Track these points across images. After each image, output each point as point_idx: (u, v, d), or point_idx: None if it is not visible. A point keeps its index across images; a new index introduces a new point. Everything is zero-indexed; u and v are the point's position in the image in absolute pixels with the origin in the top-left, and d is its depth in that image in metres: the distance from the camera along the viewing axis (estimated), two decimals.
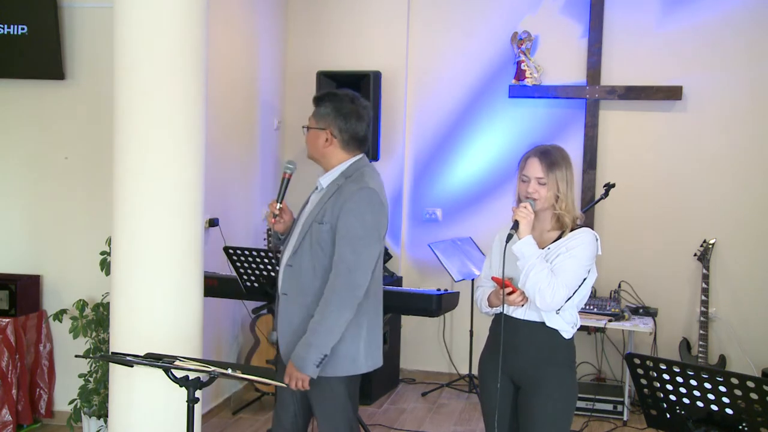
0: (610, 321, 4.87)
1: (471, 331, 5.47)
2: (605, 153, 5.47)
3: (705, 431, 2.52)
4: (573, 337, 2.86)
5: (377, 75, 5.44)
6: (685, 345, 5.20)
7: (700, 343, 5.06)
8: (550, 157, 2.80)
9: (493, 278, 2.87)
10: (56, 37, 4.39)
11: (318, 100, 2.97)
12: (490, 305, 2.91)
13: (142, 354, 2.65)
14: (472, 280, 5.30)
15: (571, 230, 2.83)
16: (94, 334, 4.21)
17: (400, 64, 5.74)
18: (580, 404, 4.92)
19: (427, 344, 5.88)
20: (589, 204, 5.26)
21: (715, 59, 5.27)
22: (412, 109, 5.83)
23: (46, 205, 4.57)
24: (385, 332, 5.26)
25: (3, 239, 4.60)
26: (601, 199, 4.95)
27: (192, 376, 2.56)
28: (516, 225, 2.77)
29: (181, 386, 2.55)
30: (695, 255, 5.27)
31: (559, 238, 2.82)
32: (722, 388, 2.44)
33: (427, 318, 5.34)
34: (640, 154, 5.43)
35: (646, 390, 2.67)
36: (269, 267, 3.96)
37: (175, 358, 2.55)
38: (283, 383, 2.70)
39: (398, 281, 5.59)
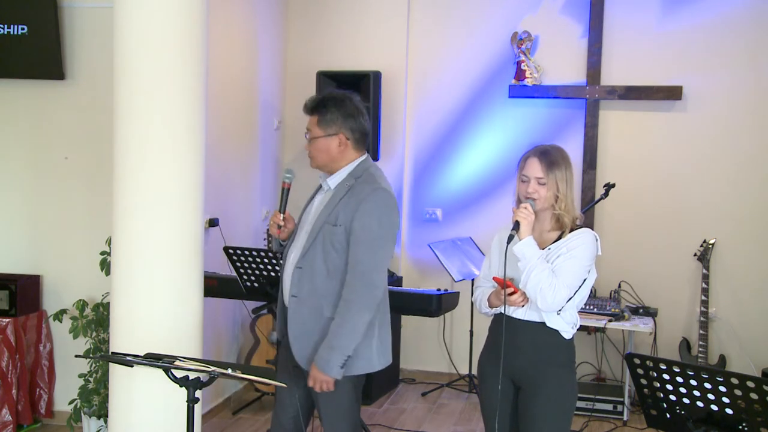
0: (610, 321, 4.87)
1: (471, 331, 5.47)
2: (605, 153, 5.47)
3: (705, 431, 2.52)
4: (573, 337, 2.86)
5: (377, 75, 5.44)
6: (685, 345, 5.20)
7: (700, 343, 5.06)
8: (550, 157, 2.80)
9: (494, 279, 2.87)
10: (56, 37, 4.38)
11: (317, 108, 2.90)
12: (490, 305, 2.91)
13: (142, 354, 2.65)
14: (472, 280, 5.30)
15: (571, 230, 2.83)
16: (94, 334, 4.21)
17: (400, 64, 5.74)
18: (580, 404, 4.92)
19: (427, 344, 5.88)
20: (589, 204, 5.26)
21: (715, 59, 5.27)
22: (412, 109, 5.83)
23: (46, 205, 4.57)
24: None
25: (3, 239, 4.60)
26: (601, 199, 4.96)
27: (192, 376, 2.56)
28: (517, 226, 2.77)
29: (181, 386, 2.55)
30: (695, 255, 5.27)
31: (559, 238, 2.83)
32: (722, 388, 2.44)
33: (427, 318, 5.34)
34: (640, 155, 5.43)
35: (646, 390, 2.67)
36: (269, 267, 3.96)
37: (175, 358, 2.55)
38: (283, 383, 2.70)
39: (398, 281, 5.59)
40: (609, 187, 4.86)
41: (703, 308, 5.09)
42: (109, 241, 3.99)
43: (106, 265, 4.11)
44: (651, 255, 5.42)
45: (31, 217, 4.59)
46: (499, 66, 5.63)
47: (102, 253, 4.17)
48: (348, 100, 2.94)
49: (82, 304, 4.24)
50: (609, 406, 4.97)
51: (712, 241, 5.21)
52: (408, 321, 5.71)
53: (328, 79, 5.45)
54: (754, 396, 2.38)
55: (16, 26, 4.40)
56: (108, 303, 3.68)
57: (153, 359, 2.56)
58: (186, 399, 2.55)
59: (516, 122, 5.61)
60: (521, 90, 5.50)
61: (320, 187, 3.02)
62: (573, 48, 5.49)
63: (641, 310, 5.12)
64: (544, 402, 2.79)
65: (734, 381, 2.40)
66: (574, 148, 5.35)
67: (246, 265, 4.04)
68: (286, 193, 2.96)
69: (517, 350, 2.82)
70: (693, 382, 2.50)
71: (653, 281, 5.36)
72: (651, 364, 2.59)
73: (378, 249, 2.82)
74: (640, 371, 2.64)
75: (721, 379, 2.43)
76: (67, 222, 4.55)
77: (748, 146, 5.25)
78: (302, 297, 2.87)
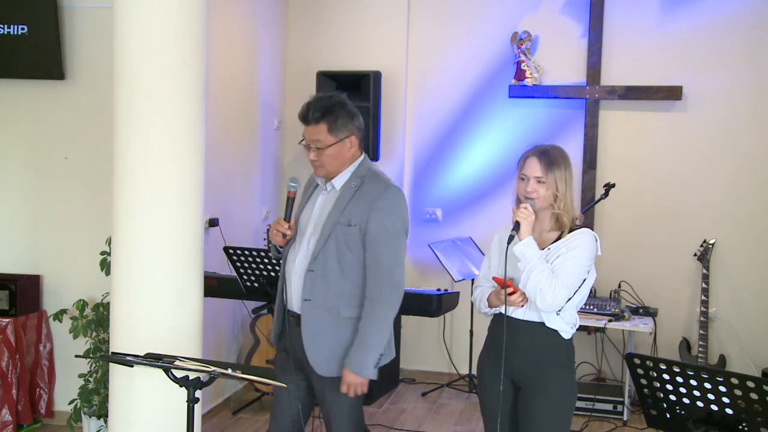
0: (610, 321, 4.87)
1: (471, 331, 5.47)
2: (605, 153, 5.47)
3: (705, 431, 2.52)
4: (572, 337, 2.86)
5: (377, 75, 5.44)
6: (685, 345, 5.20)
7: (700, 343, 5.06)
8: (550, 156, 2.81)
9: (494, 279, 2.87)
10: (56, 37, 4.39)
11: (325, 116, 2.82)
12: (490, 305, 2.91)
13: (142, 354, 2.65)
14: (472, 280, 5.30)
15: (571, 230, 2.83)
16: (94, 334, 4.21)
17: (400, 64, 5.74)
18: (580, 404, 4.91)
19: (427, 344, 5.88)
20: (589, 204, 5.27)
21: (715, 59, 5.27)
22: (412, 109, 5.83)
23: (46, 205, 4.57)
24: None
25: (3, 239, 4.60)
26: (601, 199, 4.96)
27: (192, 376, 2.56)
28: (517, 226, 2.77)
29: (181, 386, 2.55)
30: (695, 255, 5.27)
31: (558, 238, 2.83)
32: (722, 388, 2.44)
33: (427, 318, 5.34)
34: (640, 155, 5.43)
35: (646, 390, 2.67)
36: (269, 267, 3.96)
37: (175, 358, 2.55)
38: (283, 384, 2.69)
39: None
40: (609, 187, 4.86)
41: (703, 308, 5.09)
42: (109, 241, 3.99)
43: (106, 265, 4.11)
44: (651, 255, 5.42)
45: (31, 217, 4.59)
46: (499, 66, 5.63)
47: (102, 253, 4.17)
48: (346, 100, 2.93)
49: (82, 304, 4.24)
50: (609, 406, 4.97)
51: (712, 241, 5.21)
52: (408, 321, 5.71)
53: (328, 79, 5.46)
54: (754, 396, 2.38)
55: (16, 26, 4.40)
56: (108, 303, 3.68)
57: (153, 359, 2.56)
58: (186, 399, 2.55)
59: (516, 122, 5.61)
60: (521, 90, 5.50)
61: (315, 187, 3.00)
62: (573, 48, 5.49)
63: (641, 310, 5.12)
64: (543, 402, 2.79)
65: (734, 381, 2.40)
66: (574, 148, 5.35)
67: (246, 265, 4.04)
68: (292, 202, 2.91)
69: (517, 350, 2.82)
70: (693, 382, 2.50)
71: (653, 281, 5.36)
72: (651, 364, 2.59)
73: (396, 246, 2.85)
74: (640, 371, 2.64)
75: (721, 379, 2.43)
76: (67, 222, 4.55)
77: (748, 146, 5.25)
78: (316, 300, 2.84)
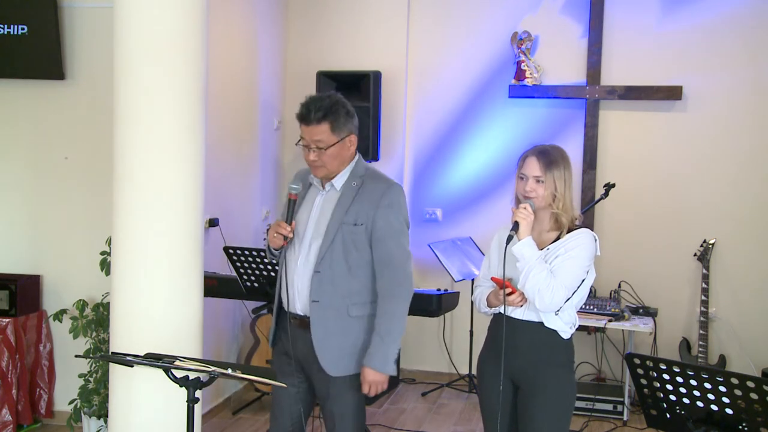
0: (610, 321, 4.87)
1: (471, 331, 5.47)
2: (605, 153, 5.47)
3: (705, 431, 2.53)
4: (572, 337, 2.86)
5: (377, 75, 5.44)
6: (685, 345, 5.20)
7: (700, 343, 5.06)
8: (549, 156, 2.81)
9: (492, 279, 2.87)
10: (56, 37, 4.39)
11: (328, 115, 2.80)
12: (489, 305, 2.92)
13: (142, 354, 2.65)
14: (472, 280, 5.30)
15: (570, 230, 2.83)
16: (94, 334, 4.21)
17: (400, 64, 5.74)
18: (580, 404, 4.92)
19: (427, 344, 5.88)
20: (589, 204, 5.27)
21: (715, 59, 5.27)
22: (412, 109, 5.83)
23: (46, 205, 4.57)
24: None
25: (3, 239, 4.60)
26: (601, 199, 4.96)
27: (192, 376, 2.56)
28: (516, 226, 2.78)
29: (181, 386, 2.55)
30: (695, 255, 5.27)
31: (558, 238, 2.83)
32: (722, 388, 2.44)
33: (427, 318, 5.34)
34: (640, 155, 5.43)
35: (646, 390, 2.67)
36: (269, 267, 3.96)
37: (175, 358, 2.54)
38: (283, 384, 2.69)
39: None
40: (609, 187, 4.86)
41: (703, 308, 5.09)
42: (109, 241, 3.99)
43: (106, 265, 4.11)
44: (651, 255, 5.42)
45: (31, 217, 4.59)
46: (499, 66, 5.63)
47: (102, 253, 4.17)
48: (343, 99, 2.91)
49: (82, 304, 4.24)
50: (609, 406, 4.97)
51: (712, 241, 5.21)
52: (408, 321, 5.65)
53: (328, 79, 5.45)
54: (754, 396, 2.38)
55: (16, 26, 4.40)
56: (108, 303, 3.68)
57: (153, 359, 2.56)
58: (186, 399, 2.55)
59: (516, 122, 5.61)
60: (521, 90, 5.50)
61: (308, 187, 2.96)
62: (573, 48, 5.49)
63: (641, 310, 5.12)
64: (542, 402, 2.79)
65: (734, 381, 2.40)
66: (574, 148, 5.35)
67: (246, 265, 4.04)
68: (293, 205, 2.89)
69: (516, 350, 2.82)
70: (693, 382, 2.50)
71: (653, 281, 5.36)
72: (651, 364, 2.59)
73: (404, 241, 2.90)
74: (640, 371, 2.64)
75: (721, 379, 2.43)
76: (67, 222, 4.55)
77: (748, 146, 5.25)
78: (324, 301, 2.84)
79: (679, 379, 2.53)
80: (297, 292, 2.89)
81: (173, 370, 2.52)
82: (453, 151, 5.77)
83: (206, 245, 3.41)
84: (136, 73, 3.17)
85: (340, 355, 2.86)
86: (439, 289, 4.22)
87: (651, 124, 5.41)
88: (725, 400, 2.45)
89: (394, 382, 5.55)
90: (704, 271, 5.16)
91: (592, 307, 5.02)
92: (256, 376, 2.53)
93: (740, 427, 2.46)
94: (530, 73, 5.49)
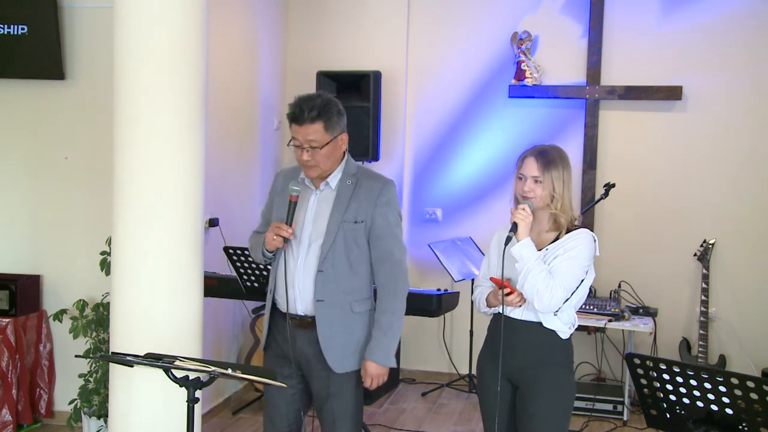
0: (610, 321, 4.87)
1: (471, 331, 5.47)
2: (605, 153, 5.47)
3: (705, 431, 2.53)
4: (570, 337, 2.86)
5: (377, 75, 5.43)
6: (685, 345, 5.20)
7: (700, 343, 5.06)
8: (547, 156, 2.81)
9: (491, 279, 2.88)
10: (56, 37, 4.39)
11: (321, 115, 2.81)
12: (488, 305, 2.93)
13: (142, 354, 2.65)
14: (472, 280, 5.30)
15: (569, 231, 2.83)
16: (94, 334, 4.21)
17: (400, 64, 5.74)
18: (581, 404, 4.92)
19: (427, 344, 5.88)
20: (589, 204, 5.27)
21: (715, 59, 5.27)
22: (412, 109, 5.83)
23: (46, 205, 4.57)
24: None
25: (3, 239, 4.60)
26: (601, 199, 4.96)
27: (192, 376, 2.56)
28: (514, 227, 2.78)
29: (181, 386, 2.55)
30: (695, 255, 5.27)
31: (557, 238, 2.83)
32: (722, 388, 2.44)
33: (427, 318, 5.34)
34: (640, 155, 5.43)
35: (646, 390, 2.67)
36: (269, 267, 3.95)
37: (175, 358, 2.54)
38: (283, 384, 2.69)
39: None
40: (609, 187, 4.86)
41: (703, 308, 5.09)
42: (109, 241, 3.99)
43: (106, 265, 4.11)
44: (651, 255, 5.42)
45: (31, 217, 4.59)
46: (499, 66, 5.63)
47: (102, 253, 4.17)
48: (332, 97, 2.92)
49: (82, 304, 4.24)
50: (609, 406, 4.97)
51: (712, 241, 5.21)
52: (408, 321, 5.65)
53: (328, 79, 5.45)
54: (754, 396, 2.38)
55: (16, 26, 4.40)
56: (108, 303, 3.68)
57: (153, 359, 2.56)
58: (186, 399, 2.55)
59: (516, 122, 5.61)
60: (521, 90, 5.50)
61: (294, 189, 2.91)
62: (573, 48, 5.49)
63: (641, 310, 5.12)
64: (541, 401, 2.79)
65: (734, 381, 2.40)
66: (574, 148, 5.35)
67: (246, 265, 4.04)
68: (294, 206, 2.88)
69: (515, 350, 2.83)
70: (693, 382, 2.50)
71: (653, 281, 5.36)
72: (651, 364, 2.59)
73: (400, 237, 2.97)
74: (640, 371, 2.64)
75: (721, 379, 2.43)
76: (67, 222, 4.55)
77: (748, 146, 5.25)
78: (329, 300, 2.86)
79: (679, 379, 2.53)
80: (298, 292, 2.89)
81: (173, 370, 2.52)
82: (453, 151, 5.77)
83: (206, 245, 3.41)
84: (136, 73, 3.17)
85: (344, 352, 2.89)
86: (439, 289, 4.21)
87: (651, 124, 5.41)
88: (725, 400, 2.45)
89: (394, 382, 5.55)
90: (704, 271, 5.16)
91: (592, 307, 5.02)
92: (256, 376, 2.53)
93: (740, 427, 2.46)
94: (530, 73, 5.49)
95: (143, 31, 3.16)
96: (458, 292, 4.42)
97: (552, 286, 2.71)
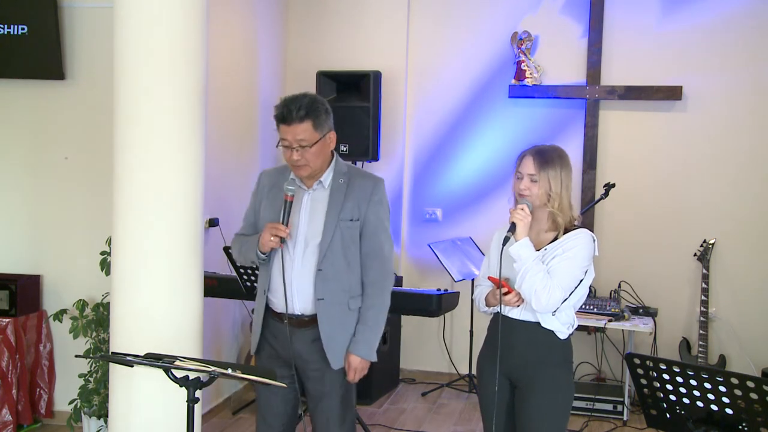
0: (610, 321, 4.87)
1: (471, 331, 5.47)
2: (605, 153, 5.47)
3: (705, 431, 2.53)
4: (569, 337, 2.86)
5: (377, 75, 5.43)
6: (685, 345, 5.20)
7: (700, 343, 5.06)
8: (545, 155, 2.82)
9: (489, 278, 2.89)
10: (56, 37, 4.38)
11: (310, 113, 2.82)
12: (487, 305, 2.94)
13: (142, 354, 2.65)
14: (472, 280, 5.30)
15: (568, 231, 2.82)
16: (94, 334, 4.21)
17: (400, 64, 5.74)
18: (581, 404, 4.92)
19: (427, 344, 5.88)
20: (589, 204, 5.27)
21: (715, 59, 5.27)
22: (412, 109, 5.83)
23: (46, 205, 4.57)
24: (385, 332, 5.27)
25: (3, 239, 4.60)
26: (601, 199, 4.96)
27: (192, 376, 2.56)
28: (513, 227, 2.78)
29: (181, 386, 2.55)
30: (695, 255, 5.27)
31: (556, 238, 2.83)
32: (722, 388, 2.44)
33: (427, 318, 5.34)
34: (640, 155, 5.43)
35: (646, 390, 2.67)
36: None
37: (175, 358, 2.54)
38: (283, 384, 2.69)
39: (398, 281, 5.59)
40: (609, 187, 4.86)
41: (703, 308, 5.09)
42: (109, 241, 3.99)
43: (106, 265, 4.11)
44: (651, 255, 5.42)
45: (31, 217, 4.59)
46: (499, 66, 5.63)
47: (102, 253, 4.17)
48: (318, 96, 2.93)
49: (82, 304, 4.24)
50: (609, 406, 4.97)
51: (712, 241, 5.21)
52: (408, 321, 5.71)
53: (328, 79, 5.45)
54: (754, 396, 2.38)
55: (16, 26, 4.40)
56: (108, 303, 3.68)
57: (153, 359, 2.56)
58: (186, 399, 2.55)
59: (516, 122, 5.61)
60: (521, 90, 5.50)
61: (289, 188, 2.90)
62: (573, 48, 5.49)
63: (641, 310, 5.12)
64: (539, 401, 2.80)
65: (734, 381, 2.40)
66: (574, 148, 5.35)
67: (246, 265, 4.04)
68: (289, 206, 2.88)
69: (513, 350, 2.84)
70: (693, 382, 2.50)
71: (653, 281, 5.36)
72: (651, 364, 2.59)
73: (390, 234, 3.02)
74: (640, 371, 2.64)
75: (721, 379, 2.43)
76: (67, 222, 4.55)
77: (748, 146, 5.25)
78: (329, 298, 2.89)
79: (679, 379, 2.53)
80: (297, 292, 2.90)
81: (173, 370, 2.52)
82: (453, 151, 5.77)
83: (206, 245, 3.41)
84: (136, 73, 3.17)
85: (343, 348, 2.93)
86: (439, 289, 4.21)
87: (651, 124, 5.41)
88: (725, 400, 2.45)
89: (394, 382, 5.55)
90: (704, 271, 5.16)
91: (592, 307, 5.02)
92: (256, 376, 2.53)
93: (740, 427, 2.46)
94: (530, 73, 5.49)
95: (143, 31, 3.16)
96: (458, 292, 4.42)
97: (550, 286, 2.71)
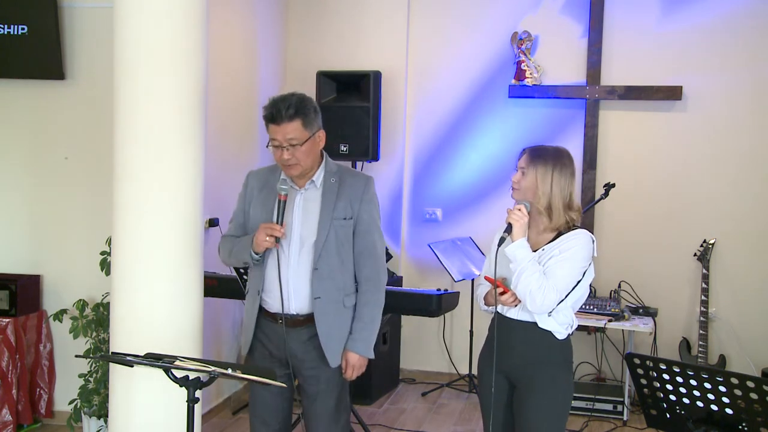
0: (610, 321, 4.87)
1: (471, 331, 5.47)
2: (605, 153, 5.47)
3: (705, 431, 2.53)
4: (568, 337, 2.86)
5: (377, 75, 5.43)
6: (685, 345, 5.20)
7: (700, 343, 5.06)
8: (539, 150, 2.83)
9: (485, 278, 2.90)
10: (56, 37, 4.38)
11: (299, 112, 2.82)
12: (486, 304, 2.95)
13: (142, 354, 2.65)
14: (472, 280, 5.31)
15: (567, 231, 2.82)
16: (94, 334, 4.21)
17: (400, 64, 5.74)
18: (581, 404, 4.92)
19: (427, 344, 5.88)
20: (589, 204, 5.26)
21: (715, 59, 5.27)
22: (412, 109, 5.83)
23: (46, 205, 4.57)
24: (385, 332, 5.29)
25: (3, 239, 4.60)
26: (601, 199, 4.96)
27: (192, 376, 2.56)
28: (509, 228, 2.79)
29: (181, 386, 2.55)
30: (695, 255, 5.27)
31: (554, 239, 2.82)
32: (722, 388, 2.44)
33: (427, 318, 5.34)
34: (640, 155, 5.43)
35: (646, 390, 2.67)
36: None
37: (175, 358, 2.54)
38: (283, 384, 2.69)
39: (398, 281, 5.59)
40: (609, 187, 4.86)
41: (703, 308, 5.09)
42: (109, 241, 3.99)
43: (106, 265, 4.11)
44: (651, 255, 5.42)
45: (31, 217, 4.59)
46: (499, 66, 5.63)
47: (102, 253, 4.17)
48: (306, 95, 2.93)
49: (82, 304, 4.24)
50: (609, 406, 4.97)
51: (712, 241, 5.21)
52: (408, 321, 5.71)
53: (328, 79, 5.45)
54: (754, 396, 2.38)
55: (16, 26, 4.40)
56: (108, 303, 3.68)
57: (153, 359, 2.56)
58: (186, 399, 2.55)
59: (516, 122, 5.61)
60: (521, 90, 5.50)
61: (282, 188, 2.91)
62: (573, 48, 5.49)
63: (641, 310, 5.12)
64: (537, 401, 2.80)
65: (734, 381, 2.40)
66: (574, 148, 5.26)
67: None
68: (283, 205, 2.89)
69: (512, 349, 2.84)
70: (693, 382, 2.50)
71: (653, 281, 5.36)
72: (651, 364, 2.59)
73: (381, 232, 3.05)
74: (640, 371, 2.64)
75: (721, 379, 2.43)
76: (67, 222, 4.55)
77: (748, 146, 5.25)
78: (324, 296, 2.91)
79: (679, 379, 2.53)
80: (293, 291, 2.91)
81: (173, 370, 2.52)
82: (453, 151, 5.77)
83: (206, 245, 3.41)
84: (136, 72, 3.17)
85: (340, 346, 2.95)
86: (439, 289, 4.21)
87: (651, 124, 5.41)
88: (725, 400, 2.45)
89: (394, 382, 5.55)
90: (704, 271, 5.16)
91: (592, 307, 5.02)
92: (256, 376, 2.53)
93: (740, 427, 2.47)
94: (530, 73, 5.49)
95: (143, 30, 3.16)
96: (458, 292, 4.42)
97: (545, 287, 2.71)
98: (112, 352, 3.21)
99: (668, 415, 2.65)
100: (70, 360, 4.38)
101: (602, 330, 5.02)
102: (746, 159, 5.26)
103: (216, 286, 4.32)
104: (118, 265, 3.25)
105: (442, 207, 5.82)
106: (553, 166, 2.79)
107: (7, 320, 4.29)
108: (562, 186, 2.79)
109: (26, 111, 4.57)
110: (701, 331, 5.08)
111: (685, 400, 2.56)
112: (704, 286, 5.12)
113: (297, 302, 2.92)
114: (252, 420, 3.09)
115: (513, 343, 2.84)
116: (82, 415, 4.21)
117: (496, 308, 2.84)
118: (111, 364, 3.34)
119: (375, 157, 5.40)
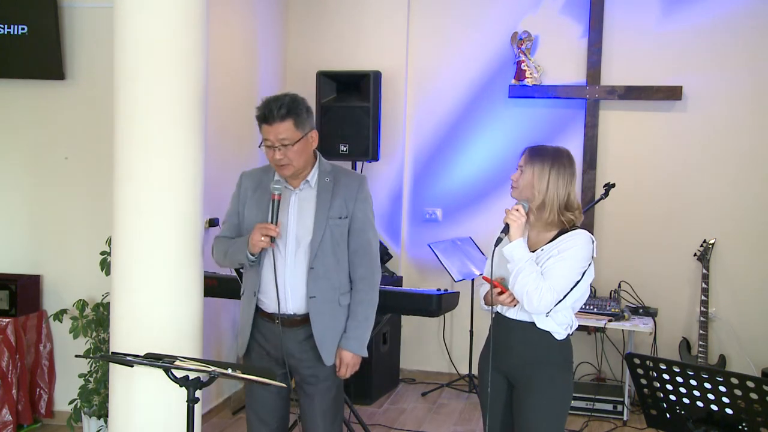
0: (610, 321, 4.87)
1: (471, 331, 5.47)
2: (605, 153, 5.47)
3: (705, 431, 2.53)
4: (568, 337, 2.86)
5: (377, 75, 5.44)
6: (685, 345, 5.20)
7: (700, 343, 5.06)
8: (538, 149, 2.84)
9: (483, 278, 2.90)
10: (56, 37, 4.39)
11: (291, 112, 2.82)
12: (486, 303, 2.95)
13: (142, 354, 2.65)
14: (472, 280, 5.31)
15: (566, 231, 2.81)
16: (94, 334, 4.21)
17: (400, 64, 5.74)
18: (581, 404, 4.92)
19: (427, 344, 5.88)
20: (589, 204, 5.26)
21: (715, 59, 5.27)
22: (412, 109, 5.83)
23: (46, 205, 4.57)
24: (385, 332, 5.29)
25: (3, 239, 4.60)
26: (601, 199, 4.96)
27: (192, 376, 2.56)
28: (506, 228, 2.79)
29: (181, 386, 2.55)
30: (695, 255, 5.27)
31: (554, 239, 2.82)
32: (722, 388, 2.44)
33: (427, 318, 5.34)
34: (640, 154, 5.43)
35: (646, 390, 2.67)
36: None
37: (175, 358, 2.54)
38: (284, 384, 2.70)
39: (398, 281, 5.59)
40: (609, 187, 4.86)
41: (703, 308, 5.09)
42: (109, 241, 3.99)
43: (106, 265, 4.12)
44: (651, 255, 5.42)
45: (31, 217, 4.59)
46: (499, 66, 5.63)
47: (102, 253, 4.17)
48: (298, 95, 2.93)
49: (82, 304, 4.24)
50: (609, 406, 4.97)
51: (712, 241, 5.21)
52: (408, 321, 5.71)
53: (328, 79, 5.45)
54: (754, 396, 2.38)
55: (16, 26, 4.40)
56: (108, 303, 3.68)
57: (153, 359, 2.56)
58: (186, 399, 2.55)
59: (516, 122, 5.61)
60: (521, 90, 5.50)
61: (275, 187, 2.91)
62: (573, 48, 5.49)
63: (641, 310, 5.12)
64: (536, 401, 2.80)
65: (734, 381, 2.40)
66: (574, 148, 5.24)
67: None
68: (277, 205, 2.89)
69: (511, 349, 2.84)
70: (693, 382, 2.50)
71: (653, 281, 5.36)
72: (651, 364, 2.60)
73: (376, 231, 3.08)
74: (640, 371, 2.64)
75: (721, 379, 2.43)
76: (67, 222, 4.55)
77: (748, 146, 5.25)
78: (320, 296, 2.92)
79: (679, 379, 2.53)
80: (290, 291, 2.92)
81: (173, 370, 2.53)
82: (453, 151, 5.77)
83: (206, 245, 3.41)
84: (136, 72, 3.16)
85: (335, 344, 2.97)
86: (439, 289, 4.21)
87: (651, 124, 5.41)
88: (725, 400, 2.45)
89: (394, 382, 5.55)
90: (704, 271, 5.16)
91: (592, 307, 5.02)
92: (256, 376, 2.53)
93: (740, 427, 2.47)
94: (530, 73, 5.49)
95: (143, 30, 3.16)
96: (458, 292, 4.42)
97: (542, 288, 2.70)
98: (112, 352, 3.21)
99: (668, 415, 2.65)
100: (70, 360, 4.38)
101: (602, 330, 5.02)
102: (746, 159, 5.26)
103: (216, 286, 4.32)
104: (118, 265, 3.25)
105: (442, 207, 5.83)
106: (551, 165, 2.79)
107: (7, 320, 4.29)
108: (559, 185, 2.78)
109: (26, 111, 4.57)
110: (701, 331, 5.08)
111: (685, 400, 2.56)
112: (704, 286, 5.12)
113: (294, 302, 2.93)
114: (250, 419, 3.08)
115: (512, 343, 2.84)
116: (82, 415, 4.21)
117: (492, 309, 2.85)
118: (111, 364, 3.33)
119: (375, 157, 5.40)
